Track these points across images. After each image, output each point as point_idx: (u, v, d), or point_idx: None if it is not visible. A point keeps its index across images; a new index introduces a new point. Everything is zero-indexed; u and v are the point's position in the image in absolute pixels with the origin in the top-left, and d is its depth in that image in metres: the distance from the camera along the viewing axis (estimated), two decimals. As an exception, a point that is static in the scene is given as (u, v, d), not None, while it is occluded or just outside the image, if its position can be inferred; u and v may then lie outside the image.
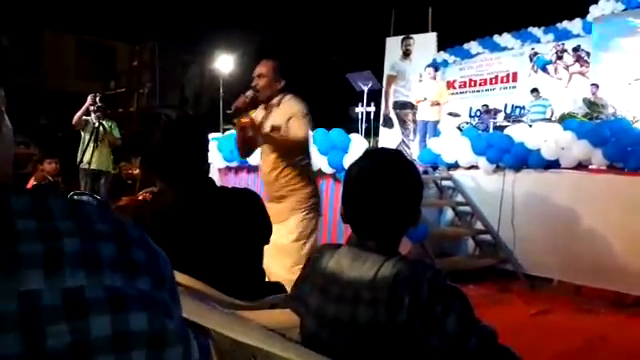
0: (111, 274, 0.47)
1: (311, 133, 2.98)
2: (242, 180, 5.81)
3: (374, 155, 1.18)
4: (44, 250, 0.45)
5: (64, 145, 7.35)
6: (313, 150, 4.82)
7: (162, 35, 14.10)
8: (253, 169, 5.65)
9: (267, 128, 2.75)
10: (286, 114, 2.74)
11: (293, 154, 2.81)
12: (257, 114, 2.89)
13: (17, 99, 0.52)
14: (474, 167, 5.29)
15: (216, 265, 1.46)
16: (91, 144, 5.90)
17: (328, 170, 4.87)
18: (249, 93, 2.78)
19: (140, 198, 1.69)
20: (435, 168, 5.65)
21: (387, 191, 1.09)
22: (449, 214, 5.49)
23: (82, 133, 6.02)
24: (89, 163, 5.92)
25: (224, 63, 10.78)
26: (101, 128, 5.96)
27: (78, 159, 6.02)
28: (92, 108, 5.96)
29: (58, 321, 0.43)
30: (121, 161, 7.00)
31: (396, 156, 1.17)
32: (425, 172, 5.53)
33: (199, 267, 1.37)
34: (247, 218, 1.60)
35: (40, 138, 9.91)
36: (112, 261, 0.48)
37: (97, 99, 6.02)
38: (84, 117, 5.94)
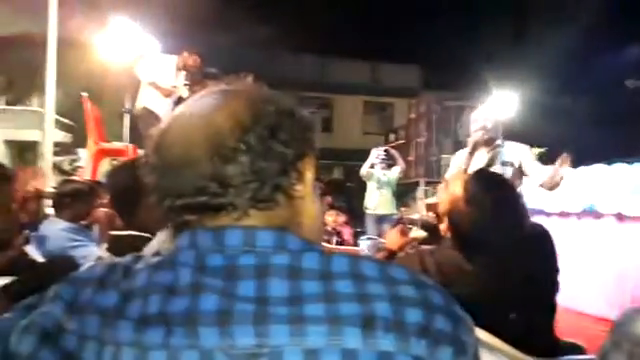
0: (416, 341, 0.49)
1: None
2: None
3: None
4: (361, 312, 0.49)
5: (354, 194, 8.34)
6: (612, 189, 4.21)
7: (441, 86, 14.82)
8: (538, 212, 5.24)
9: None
10: None
11: None
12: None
13: (316, 157, 0.65)
14: None
15: (507, 317, 1.39)
16: (376, 192, 6.55)
17: (631, 213, 4.13)
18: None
19: (409, 241, 1.77)
20: None
21: None
22: None
23: (368, 182, 6.76)
24: (374, 209, 6.58)
25: (502, 104, 10.51)
26: (384, 178, 6.58)
27: (365, 205, 6.76)
28: (376, 161, 6.65)
29: None
30: (402, 206, 7.53)
31: None
32: None
33: (490, 319, 1.32)
34: (539, 263, 1.49)
35: (335, 189, 11.50)
36: (417, 328, 0.50)
37: (380, 152, 6.70)
38: (369, 169, 6.66)
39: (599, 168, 4.49)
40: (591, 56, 12.75)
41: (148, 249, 1.12)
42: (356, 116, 17.95)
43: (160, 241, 1.14)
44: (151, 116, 4.44)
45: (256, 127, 0.57)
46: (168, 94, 4.57)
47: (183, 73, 4.68)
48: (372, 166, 6.70)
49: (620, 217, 4.31)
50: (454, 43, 14.37)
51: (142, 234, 1.36)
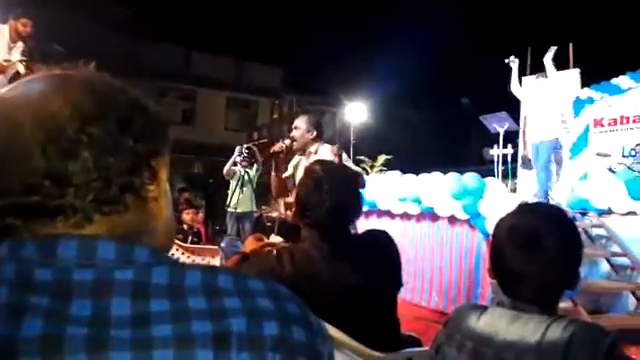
0: (272, 356, 0.48)
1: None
2: (373, 225, 5.87)
3: (535, 213, 1.14)
4: (214, 330, 0.46)
5: (215, 191, 8.15)
6: (446, 195, 4.74)
7: (301, 89, 15.21)
8: (384, 213, 5.70)
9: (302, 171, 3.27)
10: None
11: None
12: (296, 159, 3.47)
13: (175, 150, 0.59)
14: (632, 213, 4.71)
15: (355, 314, 1.49)
16: (237, 190, 6.49)
17: (462, 216, 4.72)
18: (287, 141, 3.31)
19: (265, 246, 1.78)
20: (584, 214, 5.14)
21: (556, 254, 1.06)
22: (603, 266, 4.91)
23: (231, 180, 6.67)
24: (235, 207, 6.52)
25: (355, 111, 11.21)
26: (246, 176, 6.54)
27: (226, 203, 6.67)
28: (239, 159, 6.59)
29: None
30: (262, 204, 7.59)
31: (559, 214, 1.15)
32: (572, 219, 5.06)
33: (339, 315, 1.39)
34: (382, 263, 1.63)
35: (194, 185, 11.14)
36: (273, 342, 0.48)
37: (243, 150, 6.64)
38: (233, 167, 6.58)
39: (436, 176, 5.03)
40: (434, 73, 14.24)
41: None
42: (219, 111, 17.58)
43: None
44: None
45: (102, 118, 0.50)
46: (0, 70, 4.02)
47: (20, 47, 4.15)
48: (235, 164, 6.62)
49: (452, 220, 4.88)
50: (318, 51, 14.95)
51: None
